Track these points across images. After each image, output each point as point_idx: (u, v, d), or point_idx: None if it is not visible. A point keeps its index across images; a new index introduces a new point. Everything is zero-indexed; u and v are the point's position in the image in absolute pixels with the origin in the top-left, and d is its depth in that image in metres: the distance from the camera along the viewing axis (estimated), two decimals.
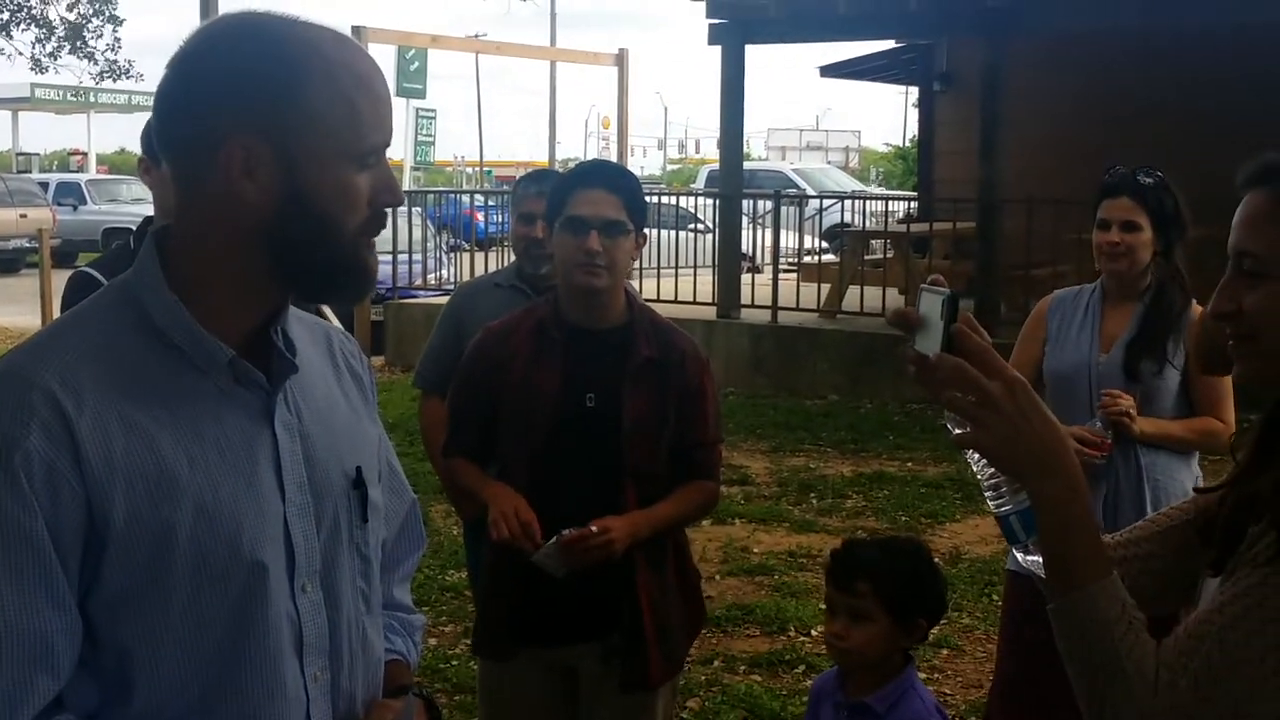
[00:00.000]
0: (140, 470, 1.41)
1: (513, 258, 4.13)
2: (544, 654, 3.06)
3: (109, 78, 13.78)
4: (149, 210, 3.14)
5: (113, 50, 13.63)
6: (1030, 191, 10.52)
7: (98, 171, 38.20)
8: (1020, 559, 1.43)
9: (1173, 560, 1.60)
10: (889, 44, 15.59)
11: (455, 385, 3.23)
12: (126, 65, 13.69)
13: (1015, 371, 1.36)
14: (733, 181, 12.32)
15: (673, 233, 13.12)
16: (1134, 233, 3.51)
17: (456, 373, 3.25)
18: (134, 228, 3.40)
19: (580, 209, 2.96)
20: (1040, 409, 1.36)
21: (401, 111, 21.56)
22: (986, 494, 1.42)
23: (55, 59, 13.73)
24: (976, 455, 1.39)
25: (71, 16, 13.47)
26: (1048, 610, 1.39)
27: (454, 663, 5.17)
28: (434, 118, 25.13)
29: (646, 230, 3.11)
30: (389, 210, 1.54)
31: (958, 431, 1.37)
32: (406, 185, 20.63)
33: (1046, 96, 12.69)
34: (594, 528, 2.83)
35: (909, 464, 8.66)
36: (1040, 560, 1.39)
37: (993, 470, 1.39)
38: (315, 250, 1.48)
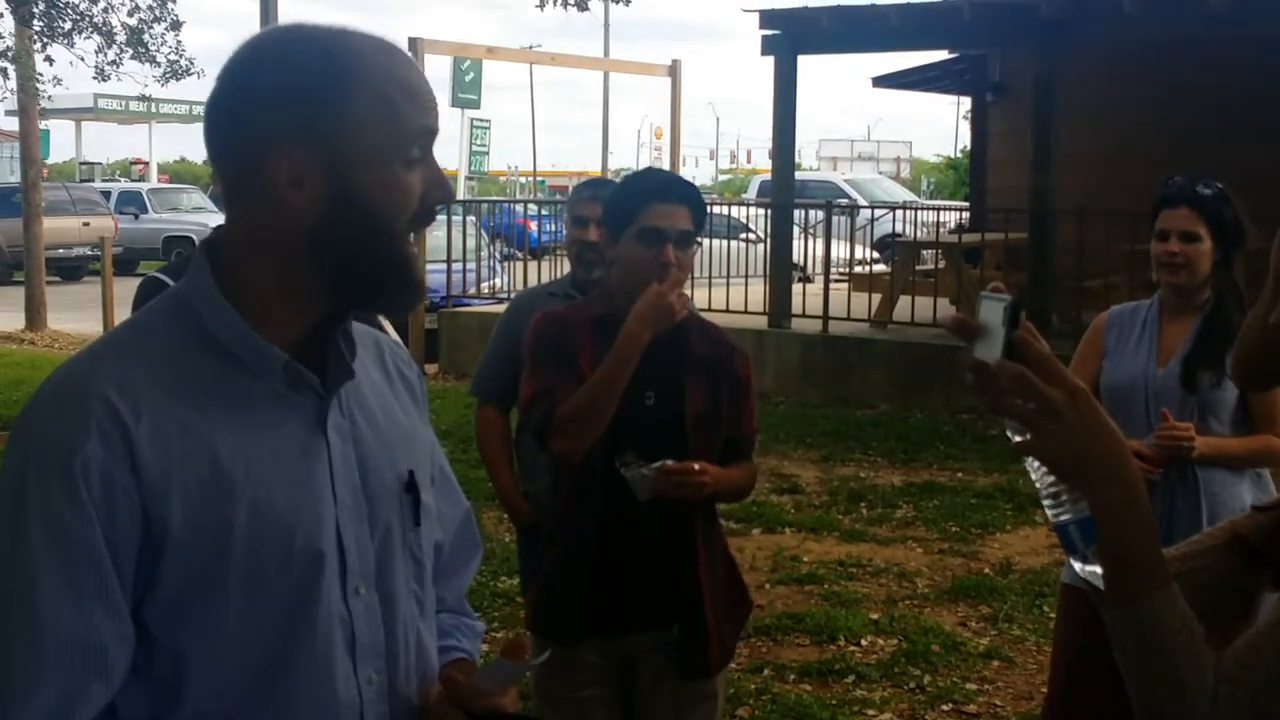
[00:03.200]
0: (196, 476, 1.42)
1: (566, 267, 4.18)
2: (604, 645, 3.10)
3: (172, 79, 13.93)
4: (209, 219, 3.21)
5: (175, 52, 13.77)
6: (1083, 202, 10.45)
7: (159, 180, 38.70)
8: (1079, 569, 1.40)
9: (1229, 575, 1.58)
10: (942, 55, 15.53)
11: (532, 365, 3.15)
12: (188, 64, 13.83)
13: (1077, 379, 1.35)
14: (784, 191, 12.32)
15: (724, 242, 13.13)
16: (1193, 243, 3.48)
17: (528, 361, 3.17)
18: (194, 236, 3.46)
19: (657, 220, 3.02)
20: (1102, 417, 1.34)
21: (456, 122, 21.73)
22: (1045, 502, 1.40)
23: (118, 66, 13.89)
24: (1036, 463, 1.37)
25: (132, 22, 13.62)
26: (1106, 620, 1.37)
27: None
28: (488, 128, 25.30)
29: (701, 238, 3.20)
30: (438, 207, 1.54)
31: (1018, 439, 1.35)
32: (461, 195, 20.76)
33: (1099, 108, 12.60)
34: (695, 465, 2.95)
35: (959, 474, 8.63)
36: (1099, 570, 1.37)
37: (1052, 479, 1.37)
38: (365, 255, 1.48)
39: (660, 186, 3.16)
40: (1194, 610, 1.37)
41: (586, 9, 13.13)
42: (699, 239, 3.12)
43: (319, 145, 1.45)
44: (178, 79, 14.04)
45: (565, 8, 12.86)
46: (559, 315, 3.20)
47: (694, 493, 2.97)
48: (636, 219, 3.03)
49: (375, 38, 1.52)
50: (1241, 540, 1.60)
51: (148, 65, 13.89)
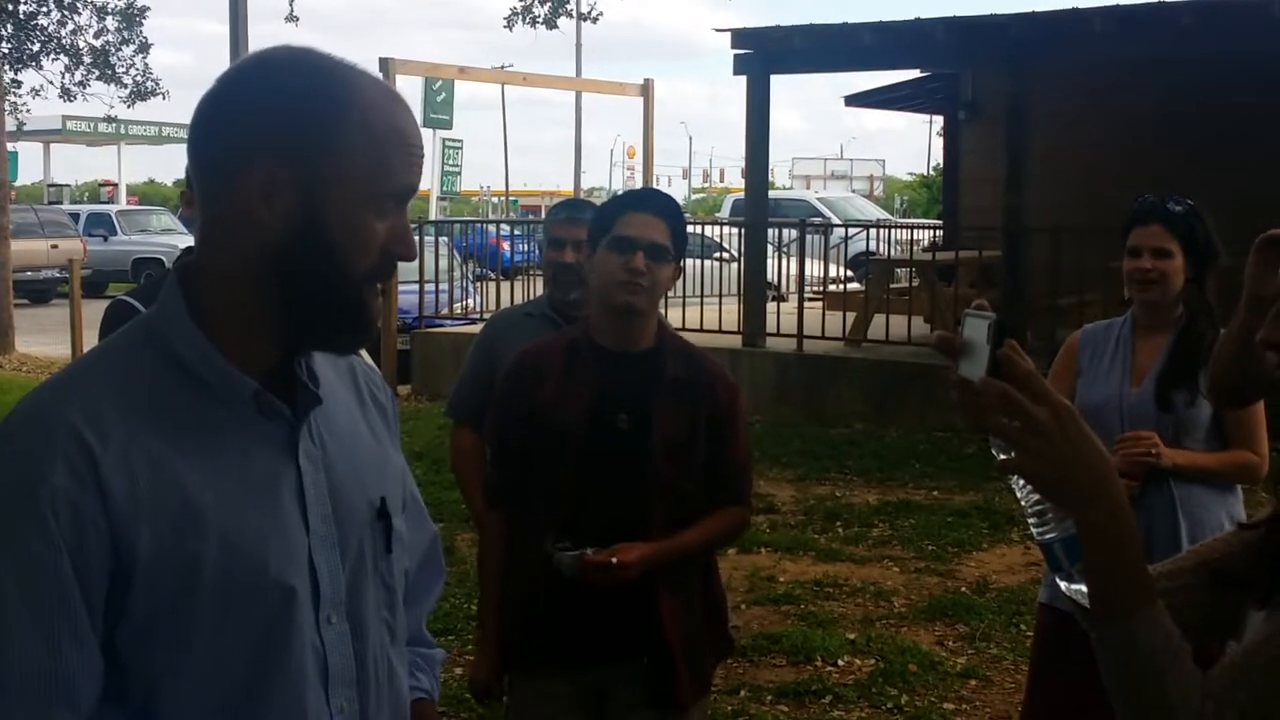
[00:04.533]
0: (165, 505, 1.41)
1: (539, 287, 4.17)
2: (574, 675, 3.07)
3: (138, 99, 13.93)
4: (178, 241, 3.18)
5: (143, 74, 13.77)
6: (1056, 220, 10.50)
7: (128, 202, 38.55)
8: (1064, 587, 1.40)
9: (1215, 593, 1.57)
10: (914, 73, 15.62)
11: (493, 417, 3.24)
12: (154, 85, 13.83)
13: (1062, 398, 1.35)
14: (758, 210, 12.33)
15: (698, 262, 13.13)
16: (1165, 260, 3.49)
17: (493, 404, 3.26)
18: (163, 258, 3.45)
19: (628, 230, 2.99)
20: (1087, 435, 1.33)
21: (429, 142, 21.75)
22: (1031, 520, 1.39)
23: (84, 87, 13.86)
24: (1021, 481, 1.37)
25: (98, 43, 13.61)
26: (1091, 639, 1.37)
27: None
28: (460, 148, 25.33)
29: (684, 262, 3.14)
30: (398, 261, 1.53)
31: (1003, 457, 1.35)
32: (433, 215, 20.74)
33: (1072, 125, 12.68)
34: (614, 560, 2.88)
35: (935, 492, 8.63)
36: (1084, 589, 1.36)
37: (1038, 497, 1.37)
38: (319, 285, 1.47)
39: (637, 197, 3.17)
40: (1180, 627, 1.37)
41: (555, 27, 13.18)
42: (677, 259, 3.05)
43: (299, 165, 1.44)
44: (144, 100, 14.04)
45: (534, 26, 12.90)
46: (532, 355, 3.16)
47: (616, 583, 2.90)
48: (611, 229, 3.02)
49: (383, 83, 1.52)
50: (1209, 568, 1.59)
51: (114, 86, 13.88)
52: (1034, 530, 1.40)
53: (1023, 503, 1.39)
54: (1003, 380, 1.32)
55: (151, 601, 1.40)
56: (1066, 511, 1.35)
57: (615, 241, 3.00)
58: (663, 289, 3.04)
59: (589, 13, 14.00)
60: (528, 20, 12.94)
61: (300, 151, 1.44)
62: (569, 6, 13.21)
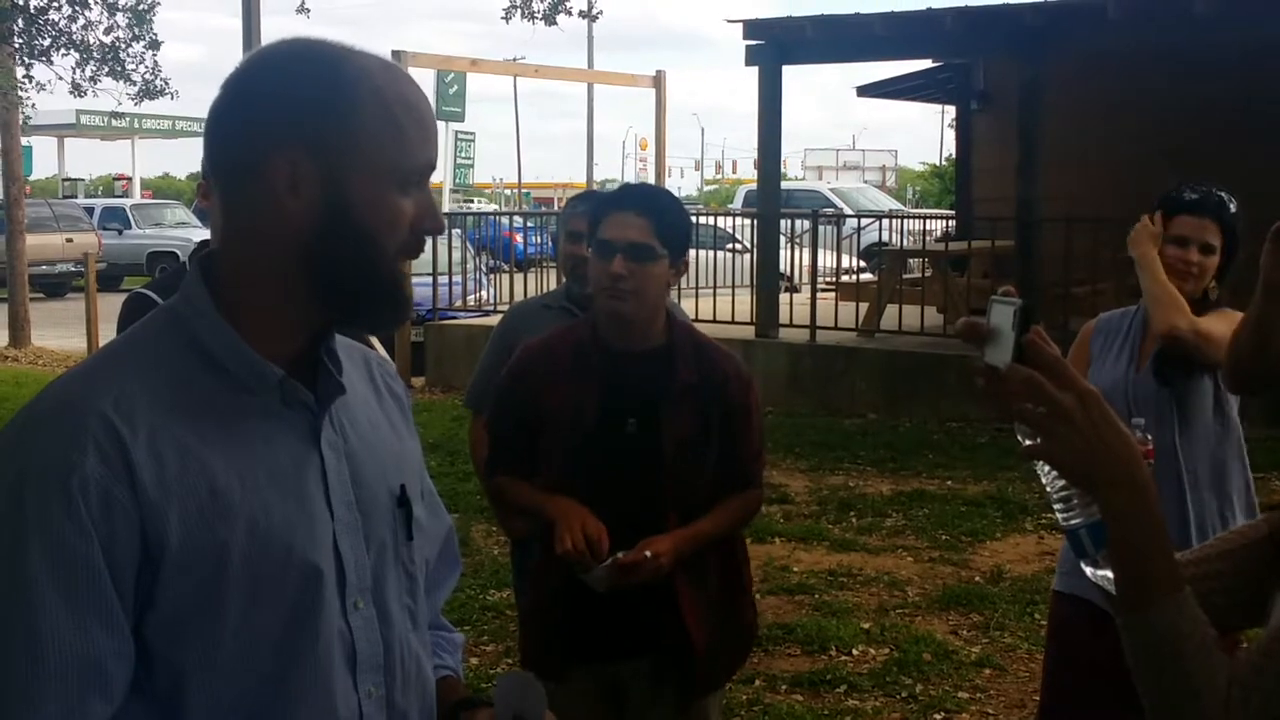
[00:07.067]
0: (194, 493, 1.42)
1: (551, 280, 4.18)
2: (592, 670, 3.07)
3: (146, 97, 13.95)
4: (192, 234, 3.18)
5: (151, 72, 13.77)
6: (1068, 210, 10.47)
7: (142, 196, 38.61)
8: (1089, 573, 1.40)
9: (1243, 578, 1.58)
10: (926, 63, 15.58)
11: (495, 404, 3.25)
12: (163, 84, 13.84)
13: (1087, 383, 1.35)
14: (770, 201, 12.33)
15: (711, 253, 13.13)
16: (1210, 256, 3.45)
17: (495, 392, 3.27)
18: (177, 251, 3.46)
19: (608, 232, 2.94)
20: (1113, 421, 1.33)
21: (441, 135, 21.71)
22: (1056, 506, 1.40)
23: (95, 83, 13.88)
24: (1046, 467, 1.37)
25: (109, 40, 13.63)
26: (1117, 625, 1.37)
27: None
28: (473, 140, 25.33)
29: (688, 258, 3.06)
30: (427, 236, 1.55)
31: (1028, 443, 1.35)
32: (446, 207, 20.76)
33: (1084, 115, 12.63)
34: (647, 553, 2.85)
35: (948, 482, 8.62)
36: (1109, 575, 1.37)
37: (1063, 483, 1.37)
38: (355, 270, 1.48)
39: (616, 195, 3.10)
40: (1208, 613, 1.37)
41: (554, 23, 13.12)
42: (669, 255, 2.95)
43: (321, 153, 1.45)
44: (152, 98, 14.05)
45: (533, 21, 12.86)
46: (539, 350, 3.13)
47: (653, 576, 2.88)
48: (597, 232, 2.99)
49: (387, 60, 1.53)
50: (1236, 553, 1.60)
51: (123, 83, 13.88)
52: (1059, 516, 1.40)
53: (1048, 489, 1.39)
54: (1028, 366, 1.32)
55: (179, 590, 1.41)
56: (1092, 497, 1.36)
57: (597, 245, 2.96)
58: (656, 288, 2.95)
59: (589, 9, 13.95)
60: (526, 14, 12.87)
61: (321, 139, 1.45)
62: (569, 3, 13.14)
